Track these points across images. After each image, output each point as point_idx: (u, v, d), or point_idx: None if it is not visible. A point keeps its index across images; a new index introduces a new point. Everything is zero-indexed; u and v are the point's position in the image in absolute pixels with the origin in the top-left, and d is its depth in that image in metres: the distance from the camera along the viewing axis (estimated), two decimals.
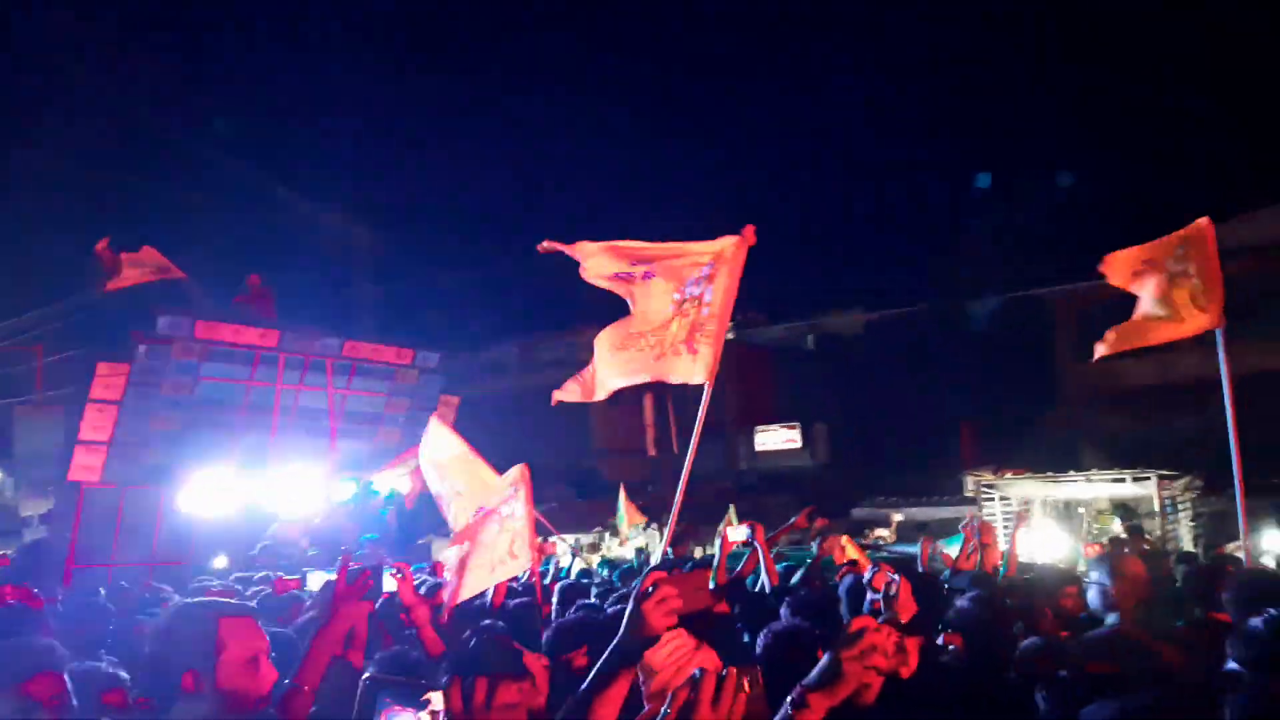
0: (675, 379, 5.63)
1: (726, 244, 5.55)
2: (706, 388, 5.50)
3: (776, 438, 25.29)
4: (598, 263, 5.64)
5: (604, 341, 5.77)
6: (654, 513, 16.54)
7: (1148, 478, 14.39)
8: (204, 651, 2.08)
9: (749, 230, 5.53)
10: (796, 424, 25.04)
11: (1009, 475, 16.37)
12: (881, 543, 15.00)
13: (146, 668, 2.18)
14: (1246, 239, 18.47)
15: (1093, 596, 4.18)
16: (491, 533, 4.49)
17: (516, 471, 4.66)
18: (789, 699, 1.85)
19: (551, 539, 8.78)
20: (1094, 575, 4.25)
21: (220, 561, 11.83)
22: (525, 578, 5.30)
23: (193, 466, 12.26)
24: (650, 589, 2.05)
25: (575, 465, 23.69)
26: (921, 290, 24.85)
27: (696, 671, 1.63)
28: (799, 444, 25.02)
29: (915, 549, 13.17)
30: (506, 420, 20.21)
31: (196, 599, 2.64)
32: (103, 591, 7.49)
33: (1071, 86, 31.12)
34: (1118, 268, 6.46)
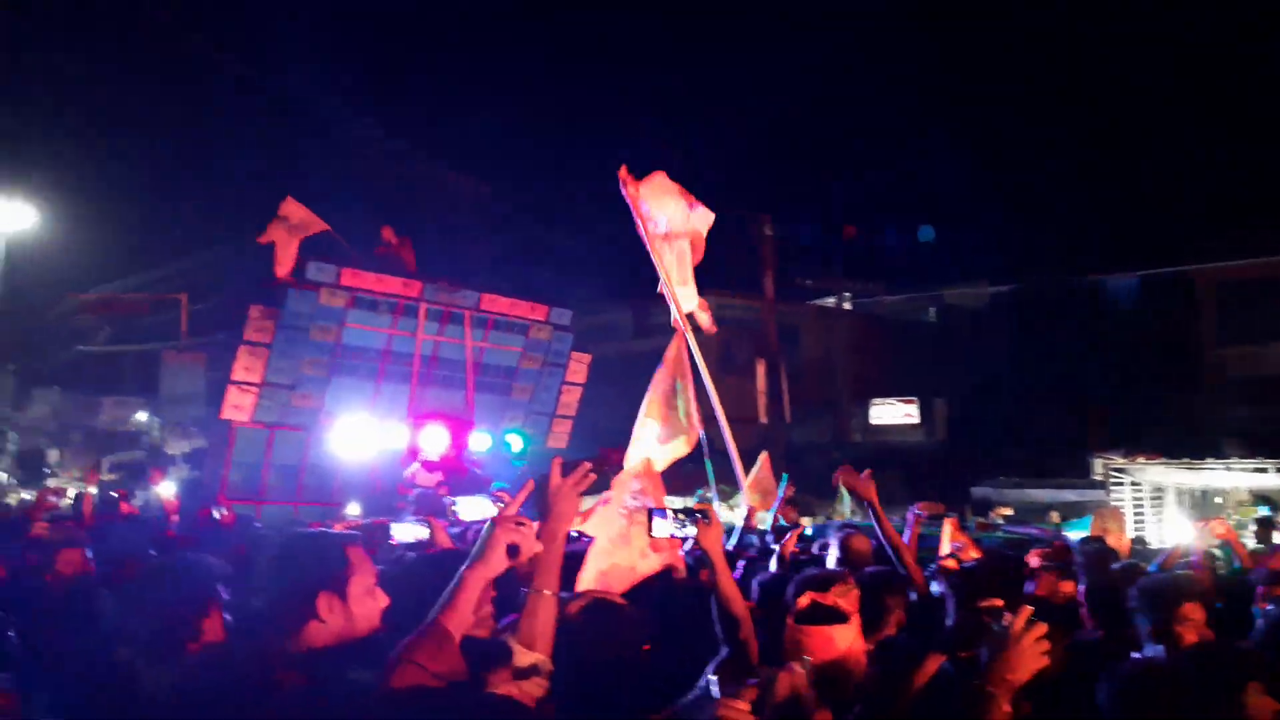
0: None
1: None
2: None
3: (893, 412, 24.77)
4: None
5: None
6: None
7: None
8: (336, 576, 2.19)
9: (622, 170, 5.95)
10: (914, 399, 24.47)
11: (1141, 460, 15.66)
12: (1000, 522, 14.53)
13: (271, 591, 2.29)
14: None
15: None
16: (618, 526, 4.17)
17: (642, 466, 4.46)
18: (974, 686, 1.97)
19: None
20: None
21: (353, 509, 12.11)
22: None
23: (337, 411, 12.64)
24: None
25: None
26: (1051, 262, 23.88)
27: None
28: (916, 420, 24.45)
29: (1035, 530, 12.68)
30: (618, 384, 20.24)
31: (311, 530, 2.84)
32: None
33: (1217, 40, 29.07)
34: None
